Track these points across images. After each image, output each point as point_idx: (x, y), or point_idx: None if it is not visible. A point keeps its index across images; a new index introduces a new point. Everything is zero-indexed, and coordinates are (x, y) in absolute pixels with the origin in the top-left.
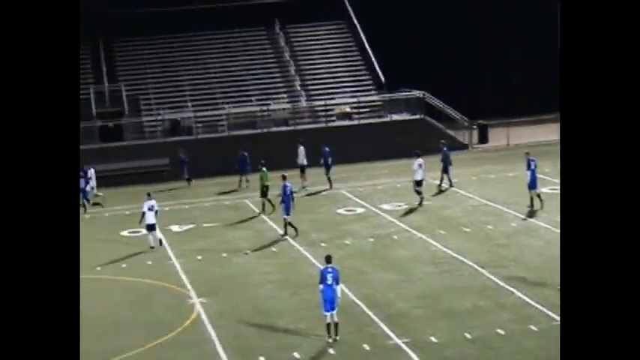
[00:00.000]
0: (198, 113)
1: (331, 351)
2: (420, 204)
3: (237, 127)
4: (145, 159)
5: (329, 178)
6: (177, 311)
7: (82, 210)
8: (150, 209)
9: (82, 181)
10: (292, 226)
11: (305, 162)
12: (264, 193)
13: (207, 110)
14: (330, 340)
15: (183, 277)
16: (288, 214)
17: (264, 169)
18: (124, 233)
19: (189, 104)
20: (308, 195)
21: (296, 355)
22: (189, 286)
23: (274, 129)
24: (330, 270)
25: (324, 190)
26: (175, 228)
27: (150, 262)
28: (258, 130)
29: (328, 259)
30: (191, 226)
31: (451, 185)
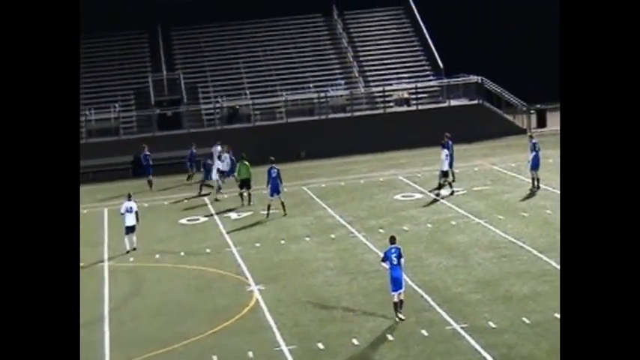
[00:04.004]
0: (256, 100)
1: (390, 337)
2: (438, 195)
3: (295, 114)
4: (203, 147)
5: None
6: (236, 298)
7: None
8: (129, 211)
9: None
10: (269, 209)
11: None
12: (242, 185)
13: (265, 97)
14: (397, 319)
15: (242, 264)
16: (271, 196)
17: (245, 162)
18: (183, 221)
19: (247, 91)
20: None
21: (355, 341)
22: (247, 274)
23: (332, 115)
24: (393, 250)
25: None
26: (233, 215)
27: (208, 250)
28: (316, 117)
29: (392, 240)
30: (249, 213)
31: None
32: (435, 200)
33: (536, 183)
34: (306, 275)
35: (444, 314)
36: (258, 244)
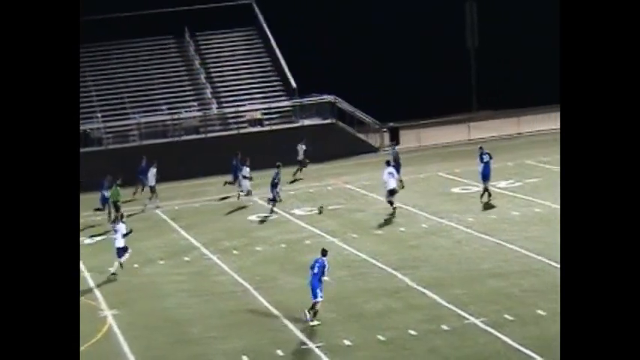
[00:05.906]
0: (107, 124)
1: (245, 358)
2: (393, 214)
3: (149, 136)
4: None
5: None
6: (88, 324)
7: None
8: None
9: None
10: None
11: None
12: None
13: (117, 120)
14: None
15: (95, 289)
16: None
17: (116, 186)
18: None
19: (99, 115)
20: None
21: None
22: (100, 298)
23: (185, 137)
24: (319, 261)
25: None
26: (87, 240)
27: None
28: (170, 139)
29: (324, 252)
30: (102, 237)
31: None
32: (288, 220)
33: (486, 193)
34: (160, 298)
35: (299, 333)
36: (111, 269)
